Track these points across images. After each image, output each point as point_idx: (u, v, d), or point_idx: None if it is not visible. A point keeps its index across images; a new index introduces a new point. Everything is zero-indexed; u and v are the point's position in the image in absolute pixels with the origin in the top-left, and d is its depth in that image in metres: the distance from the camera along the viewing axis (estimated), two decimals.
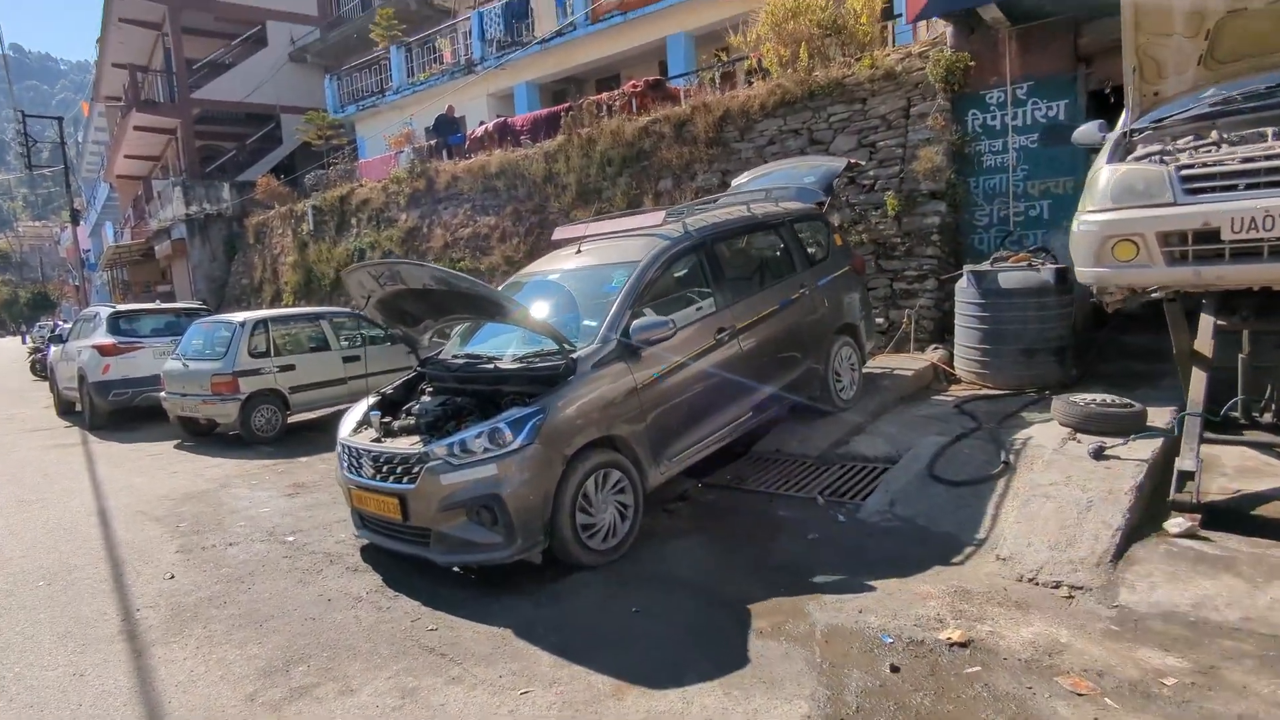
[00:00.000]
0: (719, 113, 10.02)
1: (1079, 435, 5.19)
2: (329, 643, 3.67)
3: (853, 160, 7.73)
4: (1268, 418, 5.37)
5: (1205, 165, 3.30)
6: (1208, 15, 3.65)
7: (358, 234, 15.42)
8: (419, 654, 3.50)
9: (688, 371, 4.92)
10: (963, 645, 3.13)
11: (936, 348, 7.82)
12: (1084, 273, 3.72)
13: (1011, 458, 5.00)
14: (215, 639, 3.80)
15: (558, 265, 5.62)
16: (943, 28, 8.83)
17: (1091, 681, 2.82)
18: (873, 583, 3.84)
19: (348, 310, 11.02)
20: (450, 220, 13.47)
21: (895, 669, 3.01)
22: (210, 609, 4.18)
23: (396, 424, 4.67)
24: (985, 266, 7.00)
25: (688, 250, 5.30)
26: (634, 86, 12.57)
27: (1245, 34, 3.67)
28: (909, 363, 7.58)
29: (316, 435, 9.24)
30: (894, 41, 10.69)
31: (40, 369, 17.96)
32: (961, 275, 7.18)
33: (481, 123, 16.58)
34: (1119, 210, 3.46)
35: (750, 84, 10.69)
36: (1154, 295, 3.91)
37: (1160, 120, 3.86)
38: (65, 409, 12.66)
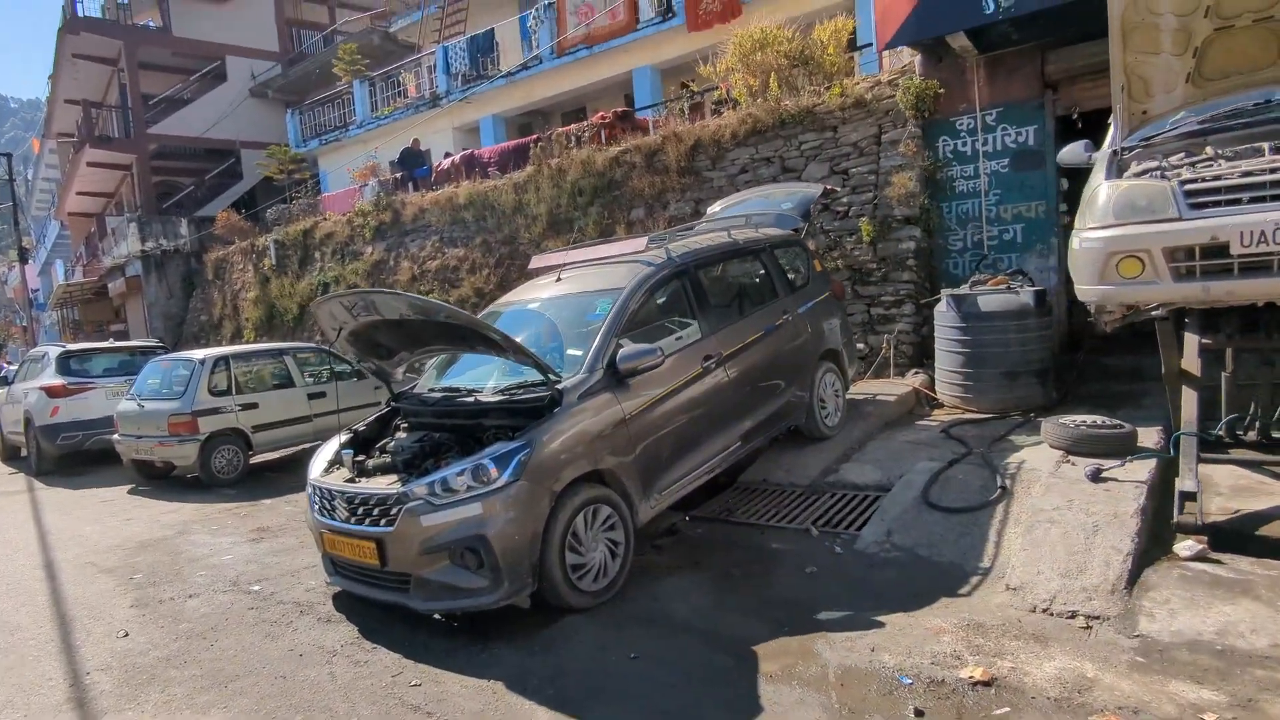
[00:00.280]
0: (690, 142, 10.01)
1: (1072, 458, 5.12)
2: (302, 703, 3.37)
3: (829, 186, 7.72)
4: (1251, 435, 5.38)
5: (1209, 180, 3.27)
6: (1195, 33, 3.67)
7: (322, 268, 15.08)
8: (403, 713, 3.22)
9: (676, 400, 4.75)
10: (986, 684, 2.96)
11: (917, 372, 7.77)
12: (1086, 290, 3.66)
13: (1007, 482, 4.90)
14: (175, 704, 3.48)
15: (537, 294, 5.44)
16: (909, 58, 8.96)
17: None
18: (880, 618, 3.66)
19: (313, 345, 10.69)
20: (418, 252, 13.23)
21: (920, 713, 2.83)
22: (169, 670, 3.84)
23: (371, 463, 4.41)
24: (964, 290, 6.99)
25: (672, 276, 5.17)
26: (603, 118, 12.56)
27: (1232, 52, 3.69)
28: (891, 388, 7.51)
29: (280, 476, 8.86)
30: (859, 72, 10.83)
31: None
32: (940, 299, 7.16)
33: (447, 154, 16.45)
34: (1122, 226, 3.41)
35: (719, 114, 10.73)
36: (1154, 314, 3.87)
37: (1149, 138, 3.85)
38: (10, 454, 12.03)
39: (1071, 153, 4.51)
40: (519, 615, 3.96)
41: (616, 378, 4.42)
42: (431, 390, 4.99)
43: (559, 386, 4.20)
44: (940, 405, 7.26)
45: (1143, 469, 4.70)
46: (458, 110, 18.34)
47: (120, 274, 21.37)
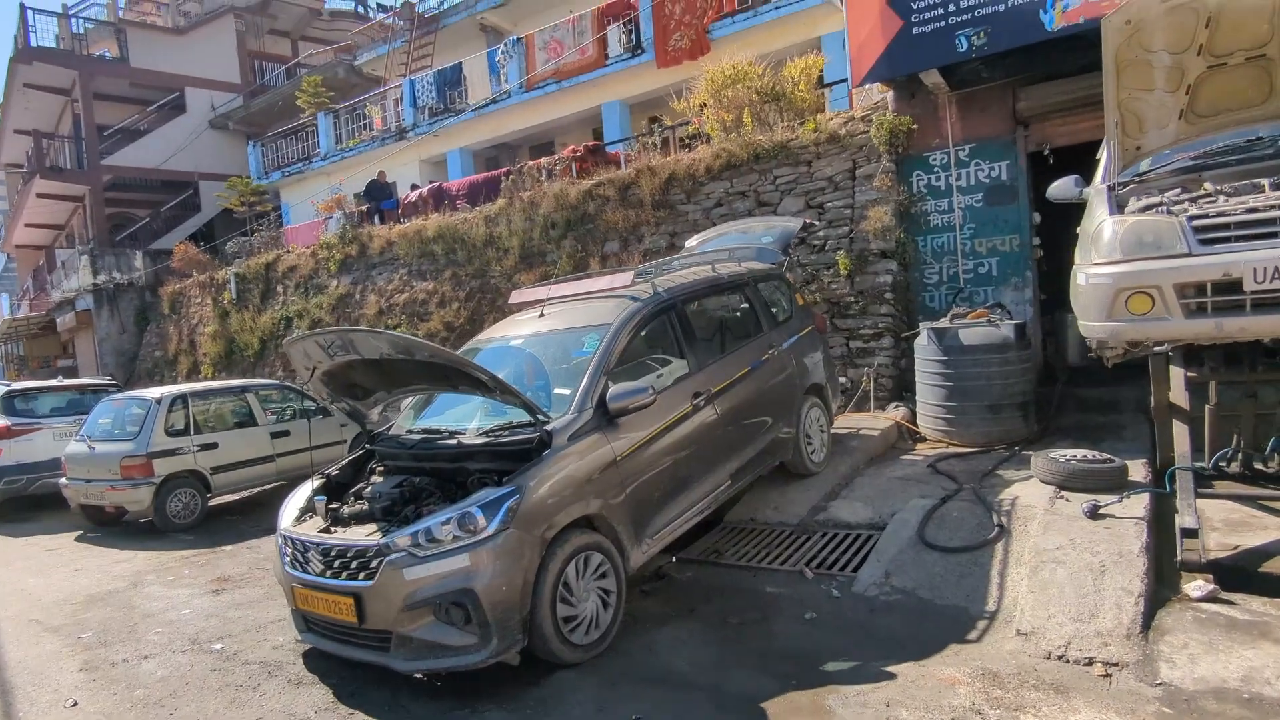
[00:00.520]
0: (665, 175, 9.98)
1: (1065, 493, 5.07)
2: None
3: (808, 220, 7.71)
4: (1234, 468, 5.38)
5: (1218, 215, 3.26)
6: (1188, 71, 3.71)
7: (285, 302, 14.68)
8: None
9: (667, 440, 4.58)
10: None
11: (898, 405, 7.72)
12: (1094, 327, 3.62)
13: (1004, 520, 4.81)
14: None
15: (519, 330, 5.26)
16: (879, 96, 9.08)
17: None
18: (890, 668, 3.51)
19: (276, 382, 10.31)
20: (385, 286, 12.95)
21: None
22: None
23: (346, 510, 4.16)
24: (945, 323, 6.98)
25: (659, 311, 5.03)
26: (574, 151, 12.52)
27: (1225, 89, 3.73)
28: (873, 422, 7.44)
29: (241, 519, 8.45)
30: (829, 108, 10.96)
31: None
32: (920, 332, 7.15)
33: (414, 186, 16.25)
34: (1131, 262, 3.38)
35: (691, 148, 10.75)
36: (1156, 350, 3.84)
37: (1143, 174, 3.86)
38: None
39: (1062, 188, 4.52)
40: (507, 673, 3.71)
41: (606, 417, 4.25)
42: (409, 432, 4.76)
43: (548, 428, 4.01)
44: (923, 439, 7.20)
45: (1138, 504, 4.65)
46: (424, 143, 18.19)
47: (70, 308, 20.60)
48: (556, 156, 12.59)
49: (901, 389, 8.01)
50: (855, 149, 8.65)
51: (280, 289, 14.95)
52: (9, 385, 10.91)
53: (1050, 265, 8.57)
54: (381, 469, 4.64)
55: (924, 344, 7.04)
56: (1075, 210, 8.75)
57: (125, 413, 8.59)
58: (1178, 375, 4.98)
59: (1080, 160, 8.13)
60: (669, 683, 3.60)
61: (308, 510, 4.32)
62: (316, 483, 4.54)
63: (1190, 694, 3.00)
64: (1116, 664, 3.27)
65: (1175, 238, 3.30)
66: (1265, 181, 3.33)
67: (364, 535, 3.84)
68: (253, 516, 8.43)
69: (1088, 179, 4.52)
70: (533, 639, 3.69)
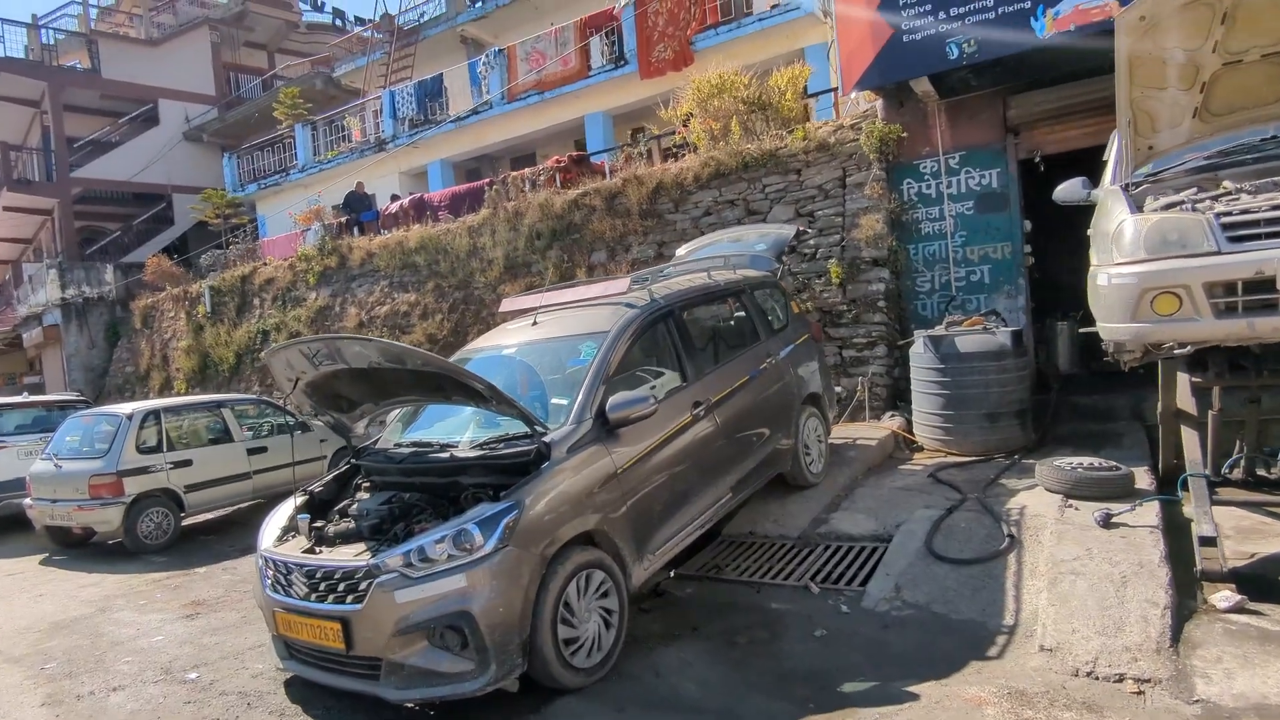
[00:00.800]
0: (652, 185, 9.86)
1: (1073, 501, 4.96)
2: None
3: (801, 227, 7.61)
4: (1237, 474, 5.31)
5: (1247, 212, 3.17)
6: (1203, 68, 3.63)
7: (261, 315, 14.34)
8: None
9: (668, 451, 4.41)
10: None
11: (893, 415, 7.61)
12: (1117, 329, 3.50)
13: (1014, 530, 4.68)
14: None
15: (511, 339, 5.07)
16: (867, 104, 9.04)
17: None
18: (911, 688, 3.34)
19: (252, 397, 10.01)
20: (365, 298, 12.68)
21: None
22: None
23: (332, 529, 3.92)
24: (941, 331, 6.89)
25: (657, 319, 4.87)
26: (558, 161, 12.38)
27: (1240, 87, 3.67)
28: (869, 431, 7.32)
29: (216, 539, 8.13)
30: (814, 118, 10.91)
31: None
32: (915, 341, 7.05)
33: (394, 196, 16.02)
34: (1157, 261, 3.27)
35: (676, 158, 10.65)
36: (1177, 352, 3.74)
37: (1156, 174, 3.78)
38: None
39: (1069, 190, 4.43)
40: (505, 700, 3.49)
41: (606, 428, 4.07)
42: (398, 445, 4.53)
43: (546, 439, 3.82)
44: (920, 448, 7.09)
45: (1150, 512, 4.55)
46: (404, 155, 17.97)
47: (37, 323, 20.01)
48: (541, 166, 12.44)
49: (896, 398, 7.91)
50: (845, 157, 8.59)
51: (257, 302, 14.60)
52: None
53: (1038, 273, 8.54)
54: (368, 485, 4.41)
55: (920, 352, 6.94)
56: (1063, 219, 8.77)
57: (94, 429, 8.25)
58: (1183, 381, 4.90)
59: (1071, 168, 8.14)
60: (678, 708, 3.41)
61: (290, 529, 4.08)
62: (299, 500, 4.31)
63: (1231, 711, 2.86)
64: (1149, 680, 3.13)
65: (1202, 235, 3.21)
66: None
67: (351, 555, 3.62)
68: (229, 536, 8.11)
69: (1087, 182, 4.44)
70: (532, 663, 3.48)
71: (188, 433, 8.49)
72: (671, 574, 5.12)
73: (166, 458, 8.00)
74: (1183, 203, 3.38)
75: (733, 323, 5.80)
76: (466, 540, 3.39)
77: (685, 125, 10.62)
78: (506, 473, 3.82)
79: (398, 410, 4.88)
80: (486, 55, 16.23)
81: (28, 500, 8.20)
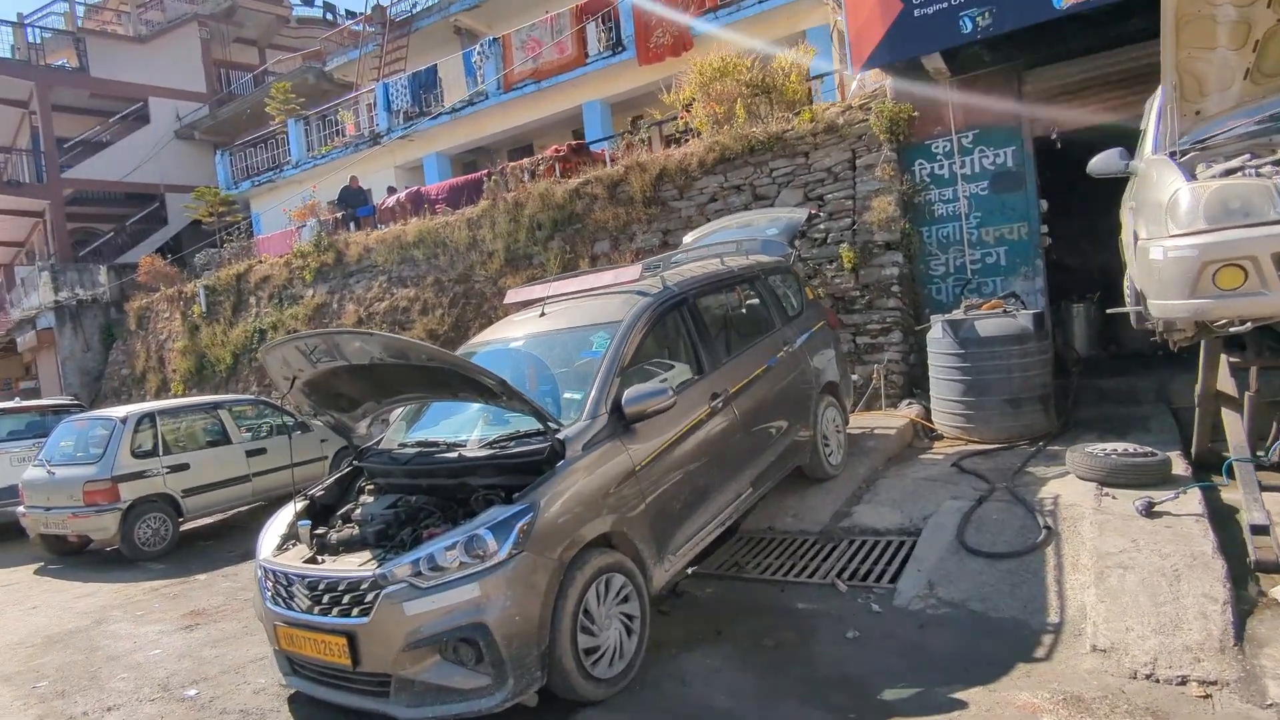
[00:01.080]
0: (655, 171, 9.60)
1: (1108, 490, 4.74)
2: None
3: (813, 210, 7.37)
4: (1275, 457, 5.09)
5: None
6: (1255, 25, 3.40)
7: (258, 313, 14.09)
8: None
9: (687, 445, 4.19)
10: None
11: (910, 403, 7.38)
12: (1174, 306, 3.27)
13: (1050, 521, 4.46)
14: None
15: (519, 331, 4.83)
16: (874, 85, 8.78)
17: None
18: (957, 694, 3.13)
19: (250, 397, 9.78)
20: (364, 294, 12.43)
21: None
22: None
23: (334, 536, 3.70)
24: (960, 315, 6.66)
25: (671, 307, 4.63)
26: (557, 150, 12.11)
27: None
28: (886, 420, 7.10)
29: (216, 545, 7.91)
30: (820, 98, 10.66)
31: None
32: (933, 325, 6.82)
33: (390, 189, 15.76)
34: (1219, 231, 3.04)
35: (678, 144, 10.40)
36: (1234, 330, 3.51)
37: (1203, 140, 3.55)
38: None
39: (1105, 161, 4.20)
40: (523, 714, 3.28)
41: (623, 423, 3.84)
42: (402, 445, 4.30)
43: (559, 436, 3.60)
44: (940, 437, 6.87)
45: (1193, 500, 4.33)
46: (400, 148, 17.70)
47: (31, 327, 19.74)
48: (539, 156, 12.18)
49: (912, 385, 7.69)
50: (854, 139, 8.33)
51: (253, 300, 14.36)
52: None
53: (1054, 255, 8.32)
54: (372, 487, 4.19)
55: (938, 337, 6.71)
56: (1075, 199, 8.54)
57: (88, 434, 8.03)
58: (1223, 361, 4.68)
59: (1089, 144, 7.90)
60: None
61: (290, 537, 3.86)
62: (299, 505, 4.08)
63: None
64: (1215, 682, 2.92)
65: (1268, 203, 2.98)
66: None
67: (356, 565, 3.40)
68: (229, 541, 7.90)
69: (1124, 153, 4.20)
70: (551, 676, 3.27)
71: (184, 435, 8.26)
72: (688, 572, 4.90)
73: (163, 461, 7.78)
74: (1243, 169, 3.16)
75: (748, 310, 5.57)
76: (479, 547, 3.17)
77: (687, 110, 10.36)
78: (519, 473, 3.60)
79: (401, 409, 4.65)
80: (481, 45, 15.93)
81: (21, 508, 7.98)
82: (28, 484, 7.95)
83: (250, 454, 8.42)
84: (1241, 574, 3.70)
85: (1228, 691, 2.87)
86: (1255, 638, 3.12)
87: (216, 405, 8.68)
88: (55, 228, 22.23)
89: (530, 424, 3.80)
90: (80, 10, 25.80)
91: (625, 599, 3.64)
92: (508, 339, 4.82)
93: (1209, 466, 5.44)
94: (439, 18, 18.28)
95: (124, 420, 7.75)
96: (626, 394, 3.83)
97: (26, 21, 23.30)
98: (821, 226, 8.28)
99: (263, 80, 24.12)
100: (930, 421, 6.99)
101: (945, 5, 7.01)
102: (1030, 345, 6.39)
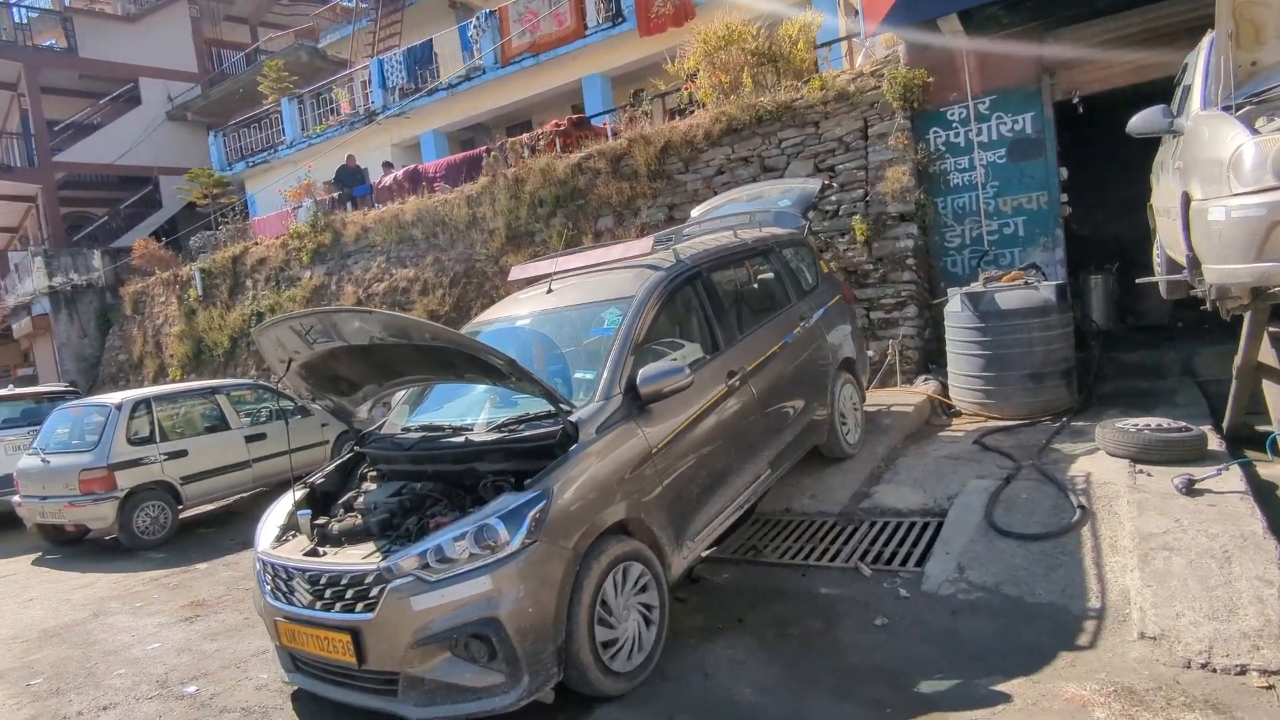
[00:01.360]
0: (660, 144, 9.32)
1: (1141, 467, 4.55)
2: None
3: (826, 181, 7.12)
4: None
5: None
6: None
7: (255, 296, 13.86)
8: None
9: (705, 426, 3.99)
10: None
11: (927, 379, 7.18)
12: (1234, 270, 3.05)
13: (1084, 500, 4.27)
14: None
15: (525, 308, 4.61)
16: (885, 51, 8.49)
17: None
18: (999, 686, 2.95)
19: (249, 382, 9.58)
20: (362, 275, 12.19)
21: None
22: None
23: (336, 526, 3.51)
24: (979, 287, 6.44)
25: (685, 282, 4.41)
26: (557, 125, 11.80)
27: None
28: (903, 397, 6.90)
29: (217, 532, 7.75)
30: (828, 66, 10.34)
31: None
32: (950, 299, 6.60)
33: (386, 164, 15.45)
34: None
35: (681, 117, 10.10)
36: None
37: (1259, 94, 3.31)
38: None
39: (1147, 120, 3.95)
40: (539, 711, 3.11)
41: (637, 403, 3.64)
42: (405, 429, 4.11)
43: (572, 418, 3.39)
44: (958, 413, 6.67)
45: (1234, 477, 4.13)
46: (396, 126, 17.36)
47: (26, 313, 19.51)
48: (539, 131, 11.87)
49: (928, 361, 7.48)
50: (866, 106, 8.05)
51: (249, 283, 14.11)
52: None
53: (1075, 225, 8.06)
54: (374, 474, 4.00)
55: (956, 310, 6.49)
56: (1091, 168, 8.26)
57: (83, 421, 7.84)
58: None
59: (1109, 108, 7.62)
60: (737, 717, 3.02)
61: (289, 527, 3.67)
62: (299, 494, 3.89)
63: None
64: (1277, 672, 2.73)
65: None
66: None
67: (360, 557, 3.21)
68: (229, 529, 7.74)
69: (1167, 110, 3.96)
70: (568, 671, 3.09)
71: (182, 421, 8.08)
72: (702, 556, 4.72)
73: (160, 448, 7.60)
74: None
75: (763, 284, 5.34)
76: (490, 537, 2.98)
77: (692, 80, 10.06)
78: (529, 457, 3.41)
79: (403, 392, 4.45)
80: (477, 18, 15.53)
81: (17, 498, 7.82)
82: (22, 473, 7.78)
83: (250, 439, 8.24)
84: None
85: None
86: None
87: (214, 390, 8.49)
88: (48, 212, 21.94)
89: (540, 406, 3.60)
90: None
91: (643, 588, 3.46)
92: (514, 317, 4.60)
93: (1242, 441, 5.26)
94: None
95: (119, 407, 7.55)
96: (641, 373, 3.62)
97: (12, 1, 22.80)
98: (833, 198, 8.02)
99: (255, 59, 23.68)
100: (948, 398, 6.79)
101: None
102: (1053, 318, 6.18)
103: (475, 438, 3.64)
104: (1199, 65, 3.77)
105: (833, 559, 4.50)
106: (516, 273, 5.18)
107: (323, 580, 3.17)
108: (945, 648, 3.34)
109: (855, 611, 3.82)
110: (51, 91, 22.54)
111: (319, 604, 3.16)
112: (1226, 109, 3.25)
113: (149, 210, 23.15)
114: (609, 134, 11.39)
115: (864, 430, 5.94)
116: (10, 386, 11.43)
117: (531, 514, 3.04)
